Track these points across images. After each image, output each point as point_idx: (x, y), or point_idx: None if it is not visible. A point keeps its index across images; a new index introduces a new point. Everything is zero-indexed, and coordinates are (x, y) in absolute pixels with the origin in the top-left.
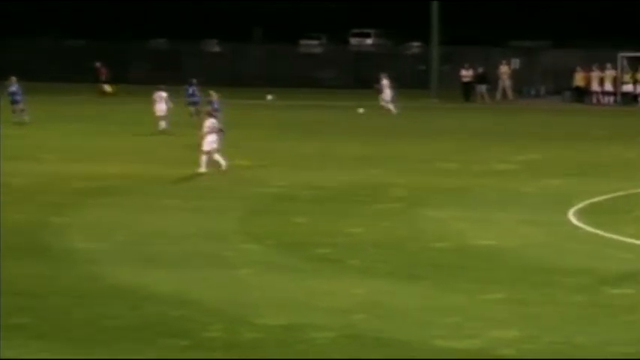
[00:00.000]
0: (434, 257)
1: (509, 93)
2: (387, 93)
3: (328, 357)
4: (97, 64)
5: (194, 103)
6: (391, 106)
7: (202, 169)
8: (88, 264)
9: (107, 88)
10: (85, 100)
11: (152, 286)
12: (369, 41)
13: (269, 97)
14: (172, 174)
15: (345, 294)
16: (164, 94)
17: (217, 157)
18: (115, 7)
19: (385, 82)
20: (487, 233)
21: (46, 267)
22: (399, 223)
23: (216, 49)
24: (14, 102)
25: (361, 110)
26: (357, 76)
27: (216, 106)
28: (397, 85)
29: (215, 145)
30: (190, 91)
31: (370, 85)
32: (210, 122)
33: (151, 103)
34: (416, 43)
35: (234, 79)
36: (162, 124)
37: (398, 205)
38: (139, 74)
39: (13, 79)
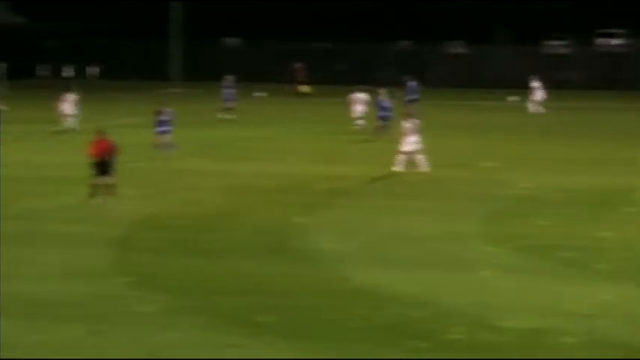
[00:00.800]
0: None
1: None
2: (538, 94)
3: None
4: (296, 65)
5: (412, 101)
6: (539, 107)
7: (398, 168)
8: (332, 264)
9: (304, 88)
10: (317, 102)
11: (394, 287)
12: (615, 41)
13: (511, 98)
14: (403, 175)
15: (591, 299)
16: (362, 96)
17: (419, 158)
18: (360, 10)
19: (536, 84)
20: None
21: (292, 267)
22: None
23: (460, 50)
24: (227, 99)
25: None
26: (603, 76)
27: (384, 104)
28: None
29: (416, 146)
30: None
31: (614, 86)
32: (410, 123)
33: (349, 104)
34: None
35: (474, 80)
36: (360, 123)
37: None
38: (384, 76)
39: (229, 77)
